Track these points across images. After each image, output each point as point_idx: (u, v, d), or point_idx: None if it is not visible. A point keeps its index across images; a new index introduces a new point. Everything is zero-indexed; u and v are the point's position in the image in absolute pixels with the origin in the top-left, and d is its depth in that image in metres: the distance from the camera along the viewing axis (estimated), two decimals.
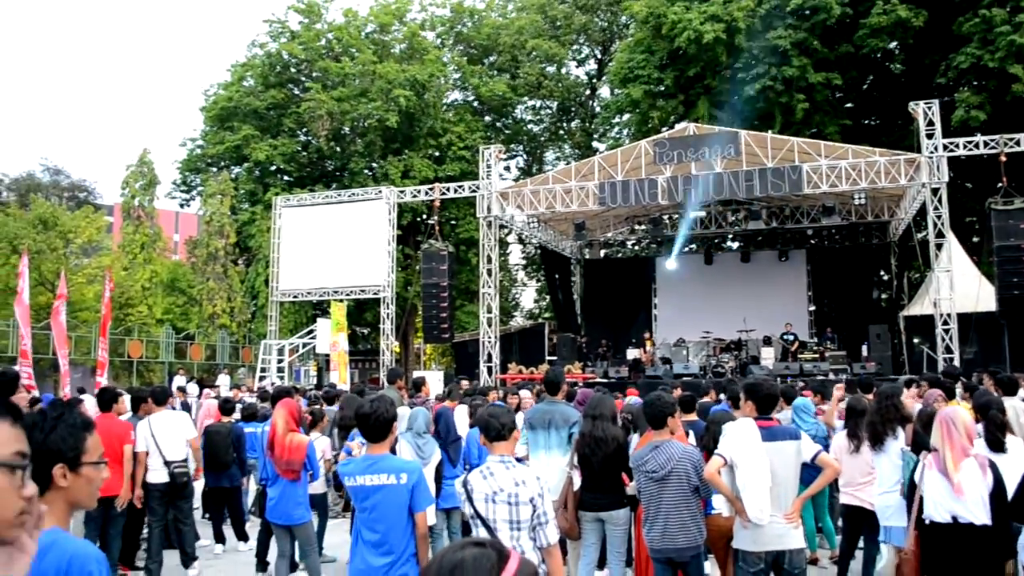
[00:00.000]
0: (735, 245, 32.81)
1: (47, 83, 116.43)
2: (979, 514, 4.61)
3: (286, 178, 36.20)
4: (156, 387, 9.69)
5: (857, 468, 6.71)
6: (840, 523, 7.84)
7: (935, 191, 19.58)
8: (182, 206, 41.38)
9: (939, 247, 19.68)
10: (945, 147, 19.48)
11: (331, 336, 24.61)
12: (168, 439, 8.45)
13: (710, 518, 5.83)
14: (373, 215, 25.78)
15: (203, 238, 33.95)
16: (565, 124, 42.29)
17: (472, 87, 38.49)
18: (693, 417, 7.55)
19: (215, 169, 36.98)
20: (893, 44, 26.95)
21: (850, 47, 25.75)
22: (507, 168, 40.62)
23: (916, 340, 22.79)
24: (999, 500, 4.62)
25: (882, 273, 27.71)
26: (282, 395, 8.26)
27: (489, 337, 23.58)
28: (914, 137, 20.19)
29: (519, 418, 8.12)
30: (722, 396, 10.51)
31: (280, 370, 26.45)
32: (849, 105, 29.06)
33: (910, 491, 5.08)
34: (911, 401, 6.80)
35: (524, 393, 10.33)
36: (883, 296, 27.78)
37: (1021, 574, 4.79)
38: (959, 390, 9.28)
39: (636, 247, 34.68)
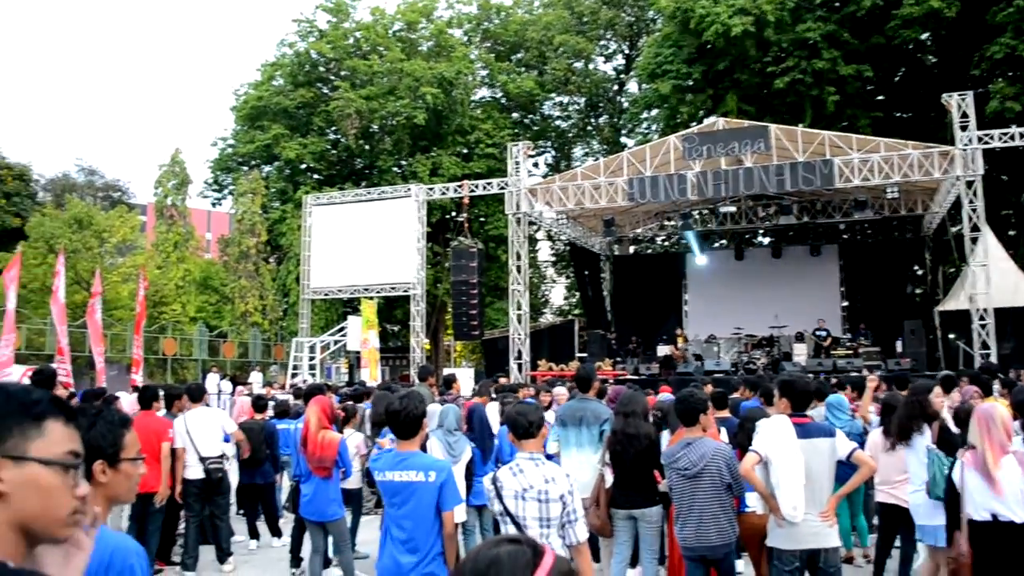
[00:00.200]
0: (766, 240, 32.53)
1: (82, 85, 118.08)
2: (1019, 512, 4.54)
3: (316, 176, 36.46)
4: (191, 384, 9.79)
5: (893, 466, 6.60)
6: (875, 521, 7.75)
7: (970, 184, 19.29)
8: (214, 205, 41.86)
9: (974, 241, 19.39)
10: (980, 139, 19.19)
11: (362, 333, 24.73)
12: (204, 435, 8.54)
13: (744, 516, 5.79)
14: (402, 213, 25.87)
15: (235, 236, 34.28)
16: (593, 120, 42.14)
17: (499, 84, 38.50)
18: (726, 414, 7.49)
19: (246, 168, 37.32)
20: (925, 35, 26.57)
21: (881, 39, 25.41)
22: (535, 165, 40.61)
23: (952, 336, 22.47)
24: None
25: (916, 268, 27.33)
26: (314, 392, 8.32)
27: (519, 334, 23.58)
28: (948, 129, 19.91)
29: (550, 415, 8.13)
30: (748, 392, 10.40)
31: (311, 367, 26.64)
32: (881, 98, 28.69)
33: (948, 490, 5.01)
34: (940, 399, 6.68)
35: (559, 390, 10.30)
36: (917, 291, 27.40)
37: None
38: (996, 386, 9.15)
39: (666, 243, 34.51)
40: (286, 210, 34.30)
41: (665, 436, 6.89)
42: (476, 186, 25.64)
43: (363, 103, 33.51)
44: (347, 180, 35.44)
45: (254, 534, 9.80)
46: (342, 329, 27.43)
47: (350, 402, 9.98)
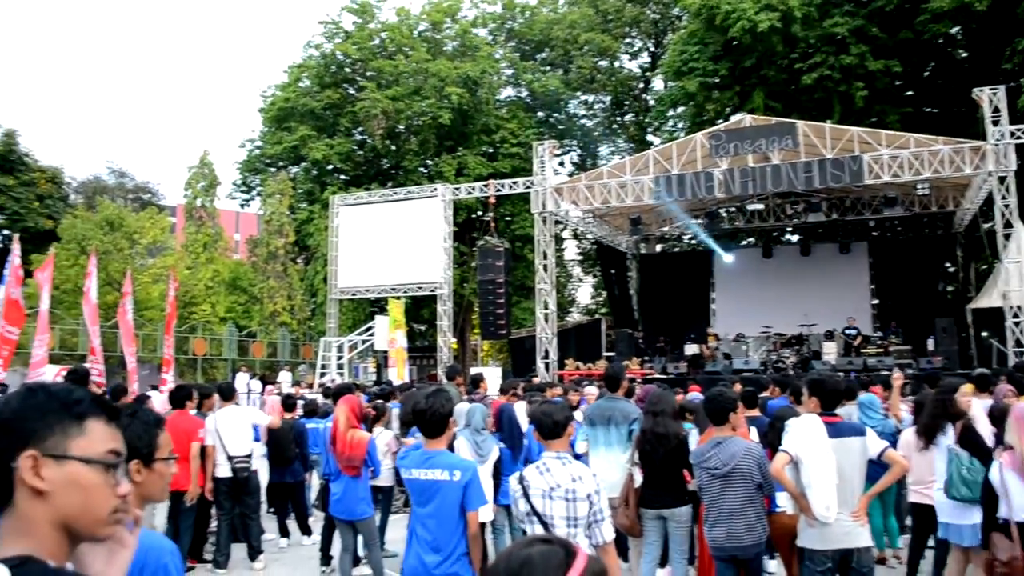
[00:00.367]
0: (794, 238, 32.28)
1: (112, 89, 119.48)
2: None
3: (342, 177, 36.69)
4: (222, 383, 9.88)
5: (926, 466, 6.51)
6: (908, 522, 7.67)
7: (1002, 179, 19.01)
8: (242, 206, 42.26)
9: (1007, 237, 19.09)
10: (1012, 134, 18.90)
11: (389, 333, 24.81)
12: (232, 435, 8.61)
13: (775, 516, 5.74)
14: (429, 213, 25.94)
15: (263, 237, 34.57)
16: (619, 118, 42.01)
17: (524, 83, 38.51)
18: (756, 413, 7.44)
19: (273, 169, 37.63)
20: (955, 29, 26.22)
21: (910, 33, 25.11)
22: (561, 164, 40.54)
23: (984, 334, 22.17)
24: None
25: (947, 265, 26.96)
26: (343, 392, 8.36)
27: (546, 333, 23.56)
28: (979, 124, 19.62)
29: (578, 414, 8.11)
30: (777, 390, 10.32)
31: (340, 367, 26.79)
32: (910, 93, 28.35)
33: (985, 492, 4.94)
34: (967, 399, 6.58)
35: (590, 389, 10.29)
36: (949, 288, 27.05)
37: None
38: None
39: (693, 241, 34.34)
40: (313, 211, 34.54)
41: (694, 435, 6.86)
42: (502, 185, 25.65)
43: (389, 103, 33.66)
44: (373, 180, 35.62)
45: (284, 532, 9.88)
46: (370, 329, 27.56)
47: (380, 401, 10.02)
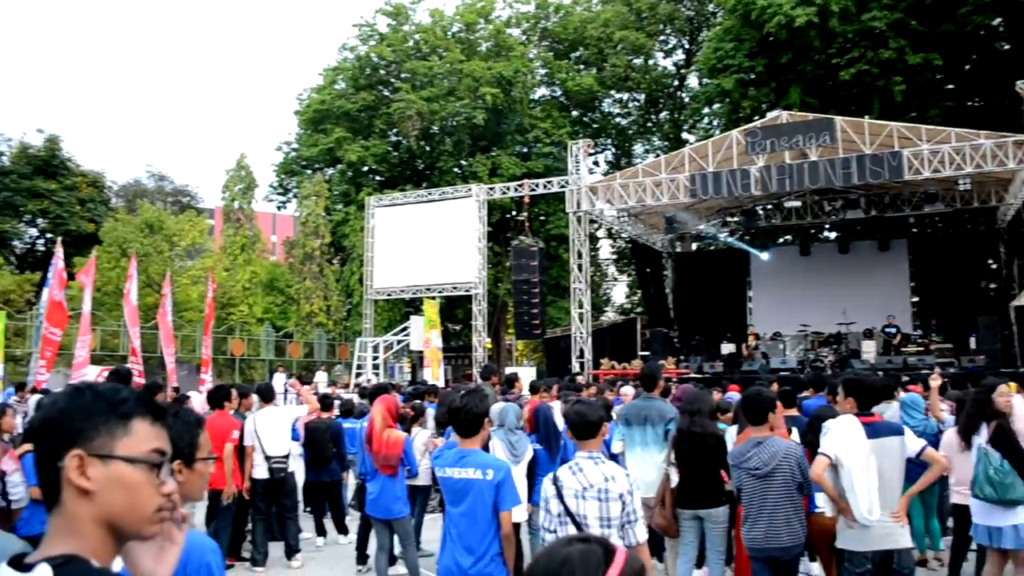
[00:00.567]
0: (832, 235, 31.88)
1: (151, 94, 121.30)
2: None
3: (378, 178, 36.91)
4: (261, 384, 9.98)
5: (967, 466, 6.39)
6: (950, 523, 7.54)
7: None
8: (279, 208, 42.68)
9: None
10: None
11: (424, 333, 24.89)
12: (271, 435, 8.69)
13: (813, 516, 5.67)
14: (463, 213, 26.02)
15: (299, 239, 34.87)
16: (653, 116, 41.77)
17: (559, 82, 38.45)
18: (794, 412, 7.35)
19: (309, 171, 37.95)
20: (997, 20, 25.73)
21: (951, 25, 24.68)
22: (595, 163, 40.39)
23: None
24: None
25: (990, 261, 26.47)
26: (380, 392, 8.41)
27: (581, 333, 23.51)
28: (1023, 117, 19.23)
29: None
30: (812, 390, 10.17)
31: (375, 367, 26.95)
32: (951, 86, 27.86)
33: None
34: (1005, 398, 6.45)
35: (627, 389, 10.24)
36: (991, 285, 26.54)
37: None
38: None
39: (729, 239, 34.03)
40: (349, 212, 34.77)
41: (729, 435, 6.80)
42: (536, 185, 25.65)
43: (423, 104, 33.80)
44: (408, 181, 35.79)
45: (321, 531, 9.95)
46: (405, 329, 27.69)
47: (418, 400, 10.07)
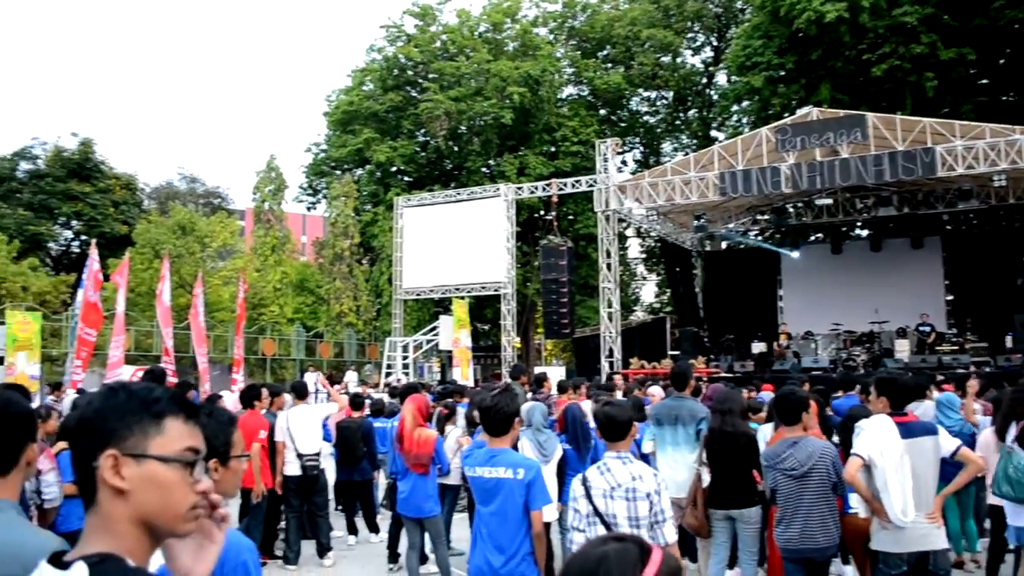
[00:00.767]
0: (864, 233, 31.50)
1: (183, 97, 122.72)
2: None
3: (406, 179, 37.07)
4: (294, 382, 10.05)
5: None
6: (987, 525, 7.42)
7: None
8: (309, 209, 42.99)
9: None
10: None
11: (453, 333, 24.95)
12: (303, 433, 8.76)
13: (847, 517, 5.61)
14: (492, 213, 26.03)
15: (329, 239, 35.09)
16: (682, 114, 41.53)
17: (586, 81, 38.36)
18: (828, 412, 7.28)
19: (339, 172, 38.18)
20: None
21: (984, 20, 24.27)
22: (624, 162, 40.23)
23: None
24: None
25: None
26: (410, 391, 8.43)
27: (610, 332, 23.44)
28: None
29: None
30: (842, 391, 10.05)
31: (405, 367, 27.05)
32: (984, 81, 27.42)
33: None
34: None
35: (654, 389, 10.19)
36: None
37: None
38: None
39: (759, 238, 33.76)
40: (378, 212, 34.94)
41: (761, 434, 6.75)
42: (564, 184, 25.60)
43: (451, 104, 33.87)
44: (436, 182, 35.89)
45: (352, 530, 10.00)
46: (434, 328, 27.77)
47: (450, 399, 10.09)
